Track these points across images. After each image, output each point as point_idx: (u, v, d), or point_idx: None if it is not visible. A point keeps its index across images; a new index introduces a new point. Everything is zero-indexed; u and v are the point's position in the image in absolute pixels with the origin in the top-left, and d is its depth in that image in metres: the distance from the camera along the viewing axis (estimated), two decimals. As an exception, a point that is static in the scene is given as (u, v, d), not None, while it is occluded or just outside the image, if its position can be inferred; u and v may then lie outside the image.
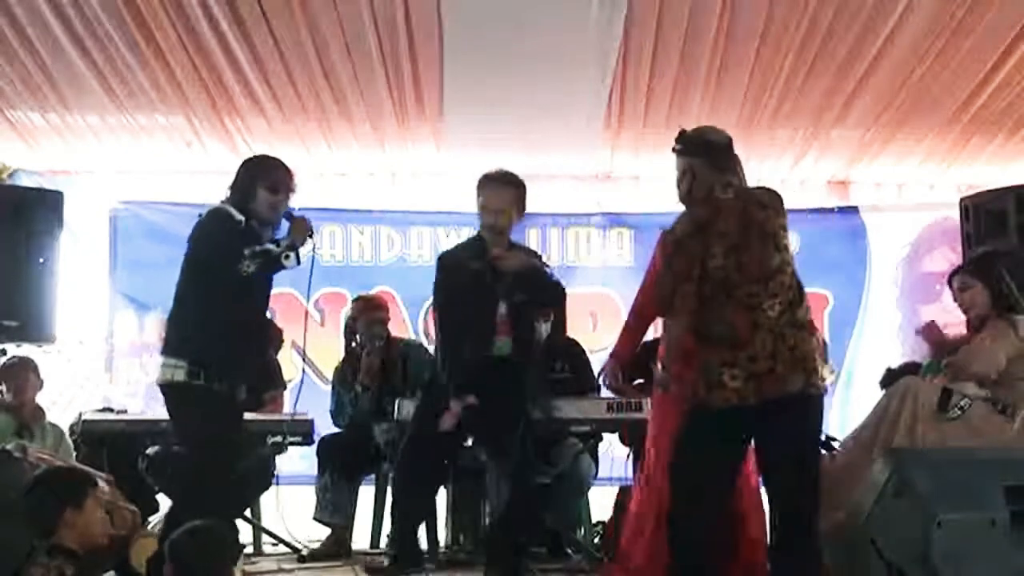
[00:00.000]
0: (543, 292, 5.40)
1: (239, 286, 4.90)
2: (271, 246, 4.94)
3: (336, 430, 6.59)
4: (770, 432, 4.36)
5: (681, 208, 4.56)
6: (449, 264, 5.38)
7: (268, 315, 5.28)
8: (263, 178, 5.07)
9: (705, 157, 4.52)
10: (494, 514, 5.57)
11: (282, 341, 5.35)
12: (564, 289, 5.60)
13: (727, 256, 4.34)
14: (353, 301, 6.94)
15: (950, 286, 5.35)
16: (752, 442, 4.49)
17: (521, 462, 5.24)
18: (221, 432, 4.90)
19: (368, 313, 6.55)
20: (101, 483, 5.06)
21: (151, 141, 7.80)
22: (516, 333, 5.26)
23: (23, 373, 6.34)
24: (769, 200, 4.51)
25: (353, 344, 6.64)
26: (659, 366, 5.14)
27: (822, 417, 4.52)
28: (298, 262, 4.98)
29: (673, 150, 4.60)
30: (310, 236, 5.04)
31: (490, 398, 5.16)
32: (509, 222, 5.32)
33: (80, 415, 6.32)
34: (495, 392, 5.15)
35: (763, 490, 4.80)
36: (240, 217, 5.01)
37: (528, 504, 5.34)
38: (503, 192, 5.30)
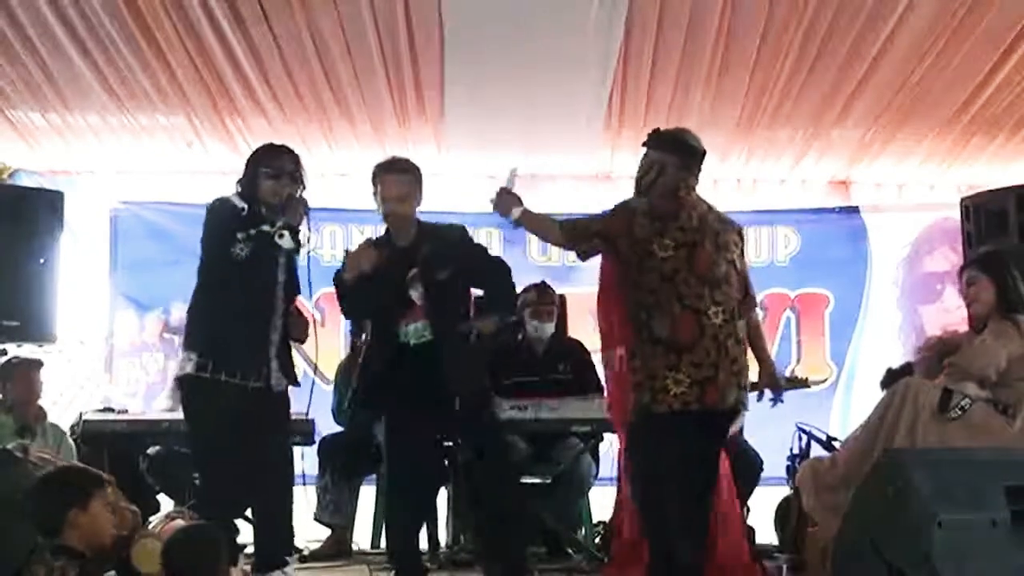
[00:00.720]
0: (482, 275, 5.26)
1: (241, 273, 4.92)
2: (266, 227, 4.93)
3: (337, 430, 6.58)
4: (698, 443, 4.42)
5: None
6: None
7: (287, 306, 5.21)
8: (264, 164, 5.10)
9: (679, 156, 4.55)
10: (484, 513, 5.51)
11: (306, 334, 5.28)
12: (511, 279, 5.36)
13: (678, 249, 4.37)
14: None
15: (959, 278, 5.36)
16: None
17: (489, 448, 5.18)
18: (226, 425, 4.92)
19: None
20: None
21: (152, 141, 7.81)
22: (435, 316, 5.08)
23: (30, 373, 6.33)
24: (727, 218, 4.63)
25: (359, 342, 6.62)
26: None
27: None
28: (295, 244, 4.98)
29: (644, 144, 4.64)
30: (305, 215, 5.03)
31: (418, 389, 5.02)
32: (411, 209, 5.20)
33: (81, 415, 6.32)
34: (422, 383, 5.01)
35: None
36: (241, 204, 5.04)
37: (505, 491, 5.22)
38: (401, 179, 5.17)
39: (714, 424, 4.47)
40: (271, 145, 5.27)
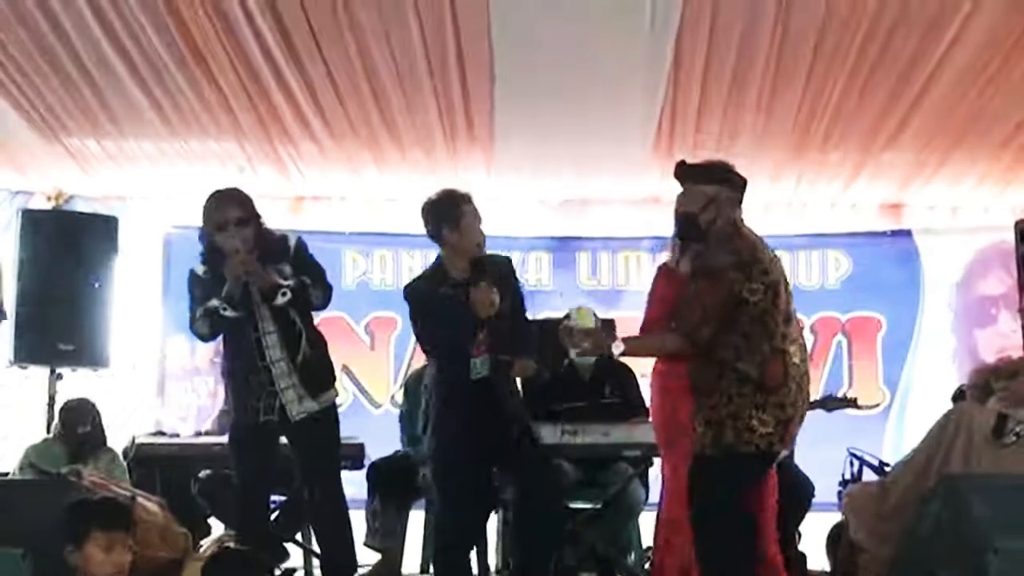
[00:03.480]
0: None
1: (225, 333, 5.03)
2: (214, 302, 4.86)
3: (386, 453, 6.57)
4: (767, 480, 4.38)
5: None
6: (417, 296, 5.20)
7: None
8: (205, 220, 4.97)
9: (730, 188, 4.44)
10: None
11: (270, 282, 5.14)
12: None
13: (767, 291, 4.30)
14: None
15: (1021, 298, 5.30)
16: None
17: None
18: (236, 457, 5.15)
19: None
20: (150, 505, 5.09)
21: (204, 167, 7.87)
22: (495, 351, 5.06)
23: (86, 413, 6.34)
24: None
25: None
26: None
27: None
28: (239, 310, 4.85)
29: (683, 177, 4.50)
30: (247, 277, 4.84)
31: (479, 422, 5.04)
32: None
33: (133, 438, 6.37)
34: (481, 415, 5.04)
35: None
36: (202, 269, 4.98)
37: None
38: (477, 210, 5.19)
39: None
40: (211, 194, 5.01)
